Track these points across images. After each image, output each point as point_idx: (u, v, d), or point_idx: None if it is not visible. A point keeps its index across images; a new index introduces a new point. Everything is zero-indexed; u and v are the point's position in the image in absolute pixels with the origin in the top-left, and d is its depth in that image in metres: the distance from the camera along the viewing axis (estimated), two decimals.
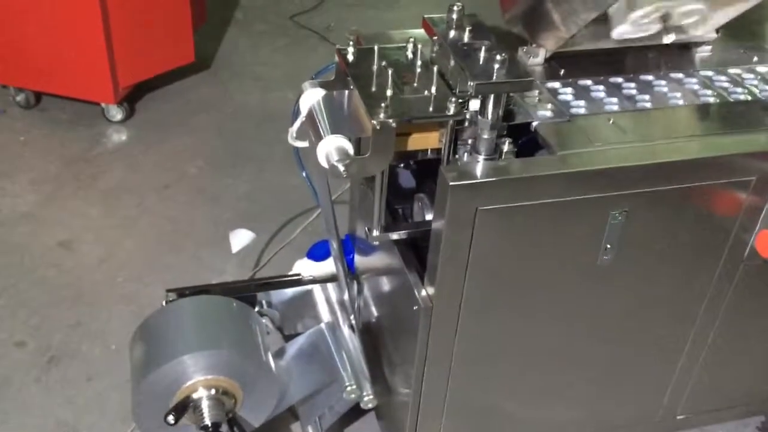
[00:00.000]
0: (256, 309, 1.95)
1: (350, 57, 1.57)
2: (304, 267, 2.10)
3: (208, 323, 1.76)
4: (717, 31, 1.78)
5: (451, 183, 1.36)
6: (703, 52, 1.84)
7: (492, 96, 1.40)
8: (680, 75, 1.74)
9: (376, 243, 1.61)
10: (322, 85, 1.58)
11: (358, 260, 2.04)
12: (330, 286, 2.04)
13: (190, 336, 1.72)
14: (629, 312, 1.68)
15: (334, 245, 1.76)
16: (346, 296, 1.89)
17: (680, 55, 1.82)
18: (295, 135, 1.62)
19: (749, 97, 1.68)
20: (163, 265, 2.63)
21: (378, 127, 1.36)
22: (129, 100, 3.41)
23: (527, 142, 1.54)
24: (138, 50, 3.22)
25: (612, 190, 1.45)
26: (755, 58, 1.83)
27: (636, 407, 1.90)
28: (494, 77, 1.38)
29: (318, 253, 2.14)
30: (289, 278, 2.02)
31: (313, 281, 2.01)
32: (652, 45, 1.79)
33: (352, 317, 1.94)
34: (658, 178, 1.47)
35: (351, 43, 1.57)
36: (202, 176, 3.10)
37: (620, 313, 1.68)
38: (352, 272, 2.02)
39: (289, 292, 2.01)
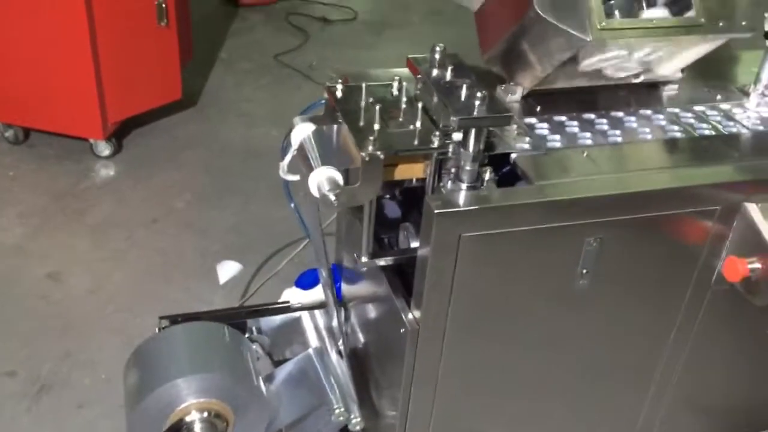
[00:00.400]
0: (246, 335, 2.00)
1: (339, 94, 1.66)
2: (293, 295, 2.17)
3: (201, 348, 1.82)
4: (682, 71, 1.90)
5: (436, 211, 1.44)
6: (670, 91, 1.95)
7: (473, 130, 1.49)
8: (649, 112, 1.85)
9: (364, 269, 1.68)
10: (312, 121, 1.67)
11: (345, 289, 2.11)
12: (318, 313, 2.10)
13: (183, 360, 1.77)
14: (604, 336, 1.77)
15: (324, 273, 1.83)
16: (334, 322, 1.95)
17: (649, 93, 1.94)
18: (286, 169, 1.70)
19: (713, 132, 1.79)
20: (152, 296, 2.68)
21: (367, 159, 1.45)
22: (117, 135, 3.49)
23: (507, 173, 1.63)
24: (126, 87, 3.30)
25: (587, 218, 1.54)
26: (719, 96, 1.95)
27: (611, 430, 1.97)
28: (475, 113, 1.48)
29: (305, 281, 2.21)
30: (278, 305, 2.09)
31: (302, 308, 2.07)
32: (622, 84, 1.90)
33: (340, 343, 2.00)
34: (629, 206, 1.57)
35: (339, 81, 1.66)
36: (190, 210, 3.17)
37: (595, 337, 1.76)
38: (339, 300, 2.09)
39: (278, 318, 2.07)
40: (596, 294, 1.66)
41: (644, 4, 1.71)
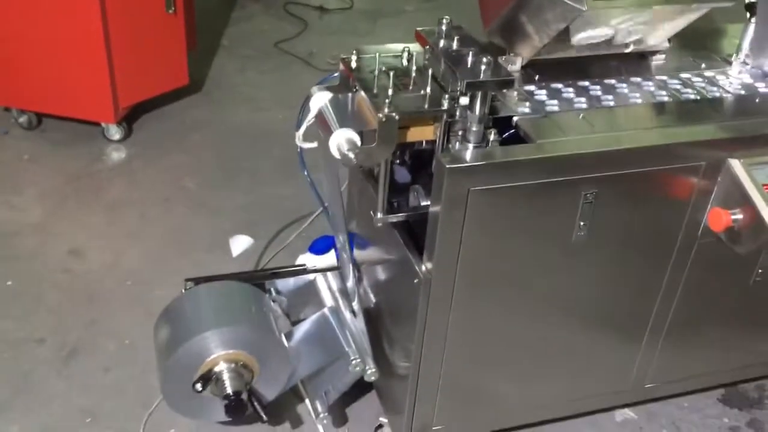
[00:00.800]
0: (266, 295, 2.14)
1: (353, 64, 1.80)
2: (307, 260, 2.31)
3: (226, 304, 1.96)
4: (669, 40, 2.04)
5: (447, 166, 1.58)
6: (658, 60, 2.10)
7: (479, 93, 1.63)
8: (639, 79, 2.00)
9: (378, 228, 1.83)
10: (328, 90, 1.81)
11: (357, 254, 2.25)
12: (331, 276, 2.24)
13: (210, 315, 1.91)
14: (601, 286, 1.91)
15: (340, 236, 1.97)
16: (349, 283, 2.09)
17: (638, 62, 2.08)
18: (302, 137, 1.84)
19: (698, 97, 1.94)
20: (168, 269, 2.80)
21: (384, 120, 1.59)
22: (127, 120, 3.60)
23: (510, 135, 1.77)
24: (137, 72, 3.42)
25: (583, 173, 1.68)
26: (703, 65, 2.09)
27: (608, 377, 2.12)
28: (481, 77, 1.62)
29: (319, 247, 2.35)
30: (295, 268, 2.23)
31: (317, 270, 2.21)
32: (613, 54, 2.04)
33: (354, 303, 2.14)
34: (621, 162, 1.71)
35: (354, 52, 1.80)
36: (200, 190, 3.29)
37: (594, 288, 1.91)
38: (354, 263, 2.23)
39: (294, 281, 2.21)
40: (593, 246, 1.81)
41: None
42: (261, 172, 3.40)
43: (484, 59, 1.63)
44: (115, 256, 2.88)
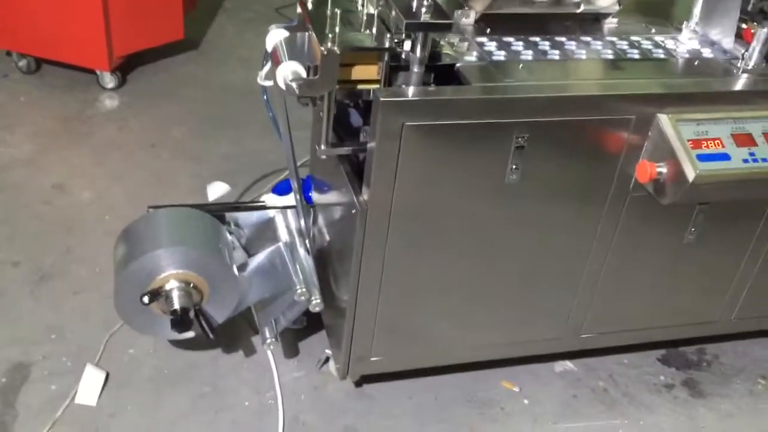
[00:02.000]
0: (225, 227, 2.26)
1: (309, 5, 1.90)
2: (269, 200, 2.42)
3: (182, 227, 2.08)
4: (619, 3, 2.12)
5: (381, 99, 1.69)
6: (611, 24, 2.19)
7: (420, 35, 1.73)
8: (588, 38, 2.09)
9: (324, 157, 1.94)
10: (286, 29, 1.92)
11: (314, 196, 2.36)
12: (291, 214, 2.35)
13: (165, 235, 2.03)
14: (535, 232, 2.01)
15: (293, 176, 2.09)
16: (302, 221, 2.21)
17: (591, 24, 2.17)
18: (264, 76, 1.96)
19: (639, 57, 2.02)
20: (146, 207, 2.92)
21: (325, 53, 1.69)
22: (122, 70, 3.73)
23: (453, 81, 1.87)
24: (132, 24, 3.54)
25: (514, 117, 1.78)
26: (653, 30, 2.18)
27: (543, 323, 2.22)
28: (422, 18, 1.72)
29: (281, 189, 2.46)
30: (255, 203, 2.35)
31: (273, 207, 2.33)
32: (567, 14, 2.13)
33: (307, 241, 2.25)
34: (552, 110, 1.80)
35: None
36: (186, 139, 3.42)
37: (527, 233, 2.00)
38: (309, 203, 2.34)
39: (254, 216, 2.33)
40: (525, 190, 1.91)
41: None
42: (247, 127, 3.51)
43: (425, 3, 1.73)
44: (97, 192, 3.01)
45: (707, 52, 2.09)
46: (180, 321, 1.96)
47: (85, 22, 3.42)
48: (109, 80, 3.66)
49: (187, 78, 3.90)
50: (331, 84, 1.75)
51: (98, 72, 3.64)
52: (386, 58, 1.76)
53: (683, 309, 2.33)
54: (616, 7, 2.13)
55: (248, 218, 2.34)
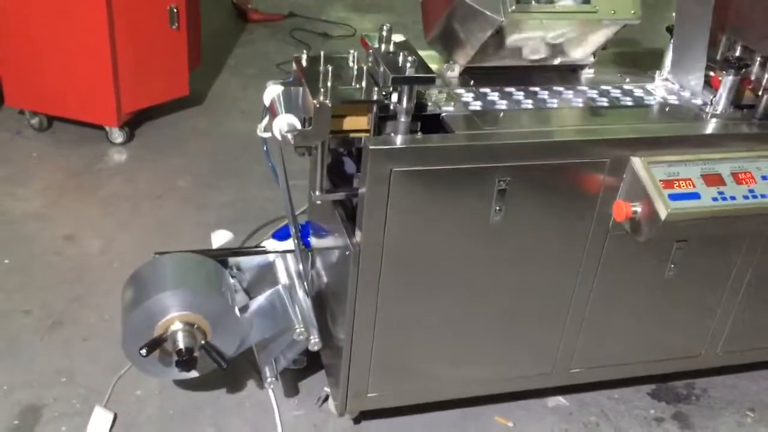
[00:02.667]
0: (227, 271, 2.37)
1: (304, 63, 2.05)
2: (269, 245, 2.54)
3: (186, 271, 2.20)
4: (594, 55, 2.27)
5: (370, 147, 1.82)
6: (588, 74, 2.33)
7: (406, 87, 1.88)
8: (561, 88, 2.23)
9: (319, 202, 2.06)
10: (282, 84, 2.07)
11: (313, 240, 2.48)
12: (290, 257, 2.47)
13: (170, 279, 2.15)
14: (520, 270, 2.12)
15: (291, 221, 2.21)
16: (300, 265, 2.32)
17: (570, 75, 2.31)
18: (263, 128, 2.10)
19: (612, 104, 2.16)
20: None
21: (318, 106, 1.83)
22: (130, 125, 3.90)
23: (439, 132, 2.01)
24: (139, 81, 3.72)
25: (495, 162, 1.91)
26: (628, 79, 2.32)
27: (533, 358, 2.31)
28: (407, 73, 1.86)
29: (281, 234, 2.58)
30: (255, 248, 2.46)
31: (273, 251, 2.44)
32: (548, 66, 2.28)
33: (305, 283, 2.36)
34: (532, 154, 1.93)
35: (305, 52, 2.06)
36: (191, 189, 3.56)
37: (513, 271, 2.11)
38: (308, 248, 2.46)
39: (255, 260, 2.44)
40: (510, 230, 2.02)
41: None
42: (250, 176, 3.65)
43: (410, 59, 1.88)
44: (106, 242, 3.14)
45: (678, 99, 2.23)
46: (185, 360, 2.06)
47: (94, 81, 3.60)
48: (117, 135, 3.82)
49: (192, 131, 4.06)
50: (324, 134, 1.89)
51: (107, 128, 3.80)
52: (375, 109, 1.90)
53: (668, 343, 2.42)
54: (591, 59, 2.28)
55: (249, 262, 2.46)
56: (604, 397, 2.57)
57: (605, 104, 2.17)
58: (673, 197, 1.93)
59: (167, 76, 3.89)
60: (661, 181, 1.95)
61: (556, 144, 1.95)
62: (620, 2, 2.05)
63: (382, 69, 1.91)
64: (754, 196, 1.99)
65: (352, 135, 1.95)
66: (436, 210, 1.95)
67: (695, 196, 1.95)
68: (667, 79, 2.31)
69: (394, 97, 1.93)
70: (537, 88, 2.20)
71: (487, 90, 2.16)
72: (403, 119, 1.91)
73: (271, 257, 2.48)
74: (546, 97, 2.16)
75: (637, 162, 1.98)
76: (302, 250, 2.30)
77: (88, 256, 3.05)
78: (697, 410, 2.56)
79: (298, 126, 1.89)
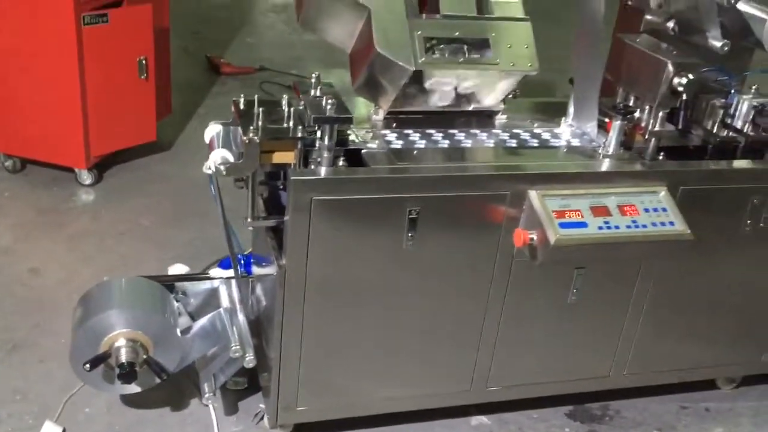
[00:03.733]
0: (173, 295, 2.58)
1: (241, 105, 2.31)
2: (215, 272, 2.76)
3: (132, 293, 2.41)
4: (504, 102, 2.54)
5: (292, 177, 2.07)
6: (501, 119, 2.60)
7: (327, 126, 2.13)
8: (476, 131, 2.49)
9: (251, 228, 2.30)
10: (223, 125, 2.33)
11: (255, 269, 2.70)
12: (233, 284, 2.68)
13: (116, 299, 2.36)
14: (434, 293, 2.34)
15: (230, 250, 2.43)
16: (234, 291, 2.54)
17: (484, 119, 2.58)
18: (206, 165, 2.34)
19: (519, 145, 2.43)
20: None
21: (247, 141, 2.08)
22: (99, 168, 4.14)
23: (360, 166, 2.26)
24: (109, 127, 3.97)
25: (405, 192, 2.15)
26: (536, 124, 2.59)
27: (450, 377, 2.51)
28: (327, 114, 2.12)
29: (226, 263, 2.80)
30: (200, 275, 2.68)
31: (212, 277, 2.66)
32: (464, 111, 2.54)
33: (244, 306, 2.57)
34: (439, 187, 2.18)
35: (242, 96, 2.32)
36: (153, 227, 3.78)
37: (427, 294, 2.34)
38: (249, 275, 2.68)
39: (201, 285, 2.66)
40: (422, 256, 2.26)
41: (467, 52, 2.36)
42: (209, 216, 3.85)
43: (331, 102, 2.14)
44: (69, 275, 3.34)
45: (578, 142, 2.50)
46: (125, 373, 2.26)
47: (65, 126, 3.85)
48: (86, 177, 4.05)
49: (159, 175, 4.30)
50: (252, 167, 2.14)
51: (76, 170, 4.04)
52: (299, 145, 2.15)
53: (577, 364, 2.63)
54: (502, 106, 2.54)
55: (195, 288, 2.67)
56: (524, 417, 2.77)
57: (513, 145, 2.43)
58: (563, 225, 2.18)
59: (135, 123, 4.14)
60: (553, 211, 2.20)
61: (460, 177, 2.20)
62: (519, 56, 2.33)
63: (307, 110, 2.17)
64: (636, 226, 2.24)
65: (281, 168, 2.20)
66: (355, 236, 2.19)
67: (583, 224, 2.20)
68: (571, 125, 2.58)
69: (318, 134, 2.18)
70: (454, 131, 2.46)
71: (408, 131, 2.42)
72: (325, 154, 2.16)
73: (215, 283, 2.69)
74: (461, 138, 2.42)
75: (533, 195, 2.23)
76: (241, 277, 2.52)
77: (50, 288, 3.25)
78: (610, 430, 2.77)
79: (231, 159, 2.13)
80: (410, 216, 2.19)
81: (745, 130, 2.55)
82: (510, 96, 2.58)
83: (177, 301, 2.59)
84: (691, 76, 2.28)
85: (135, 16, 3.92)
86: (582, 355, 2.62)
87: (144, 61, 4.00)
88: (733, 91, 2.54)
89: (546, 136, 2.52)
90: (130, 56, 3.96)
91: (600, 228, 2.21)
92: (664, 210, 2.29)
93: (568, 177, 2.28)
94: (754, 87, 2.62)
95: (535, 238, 2.22)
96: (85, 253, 3.52)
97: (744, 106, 2.56)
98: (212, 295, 2.68)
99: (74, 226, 3.74)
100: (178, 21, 6.37)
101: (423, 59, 2.24)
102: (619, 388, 2.79)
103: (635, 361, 2.67)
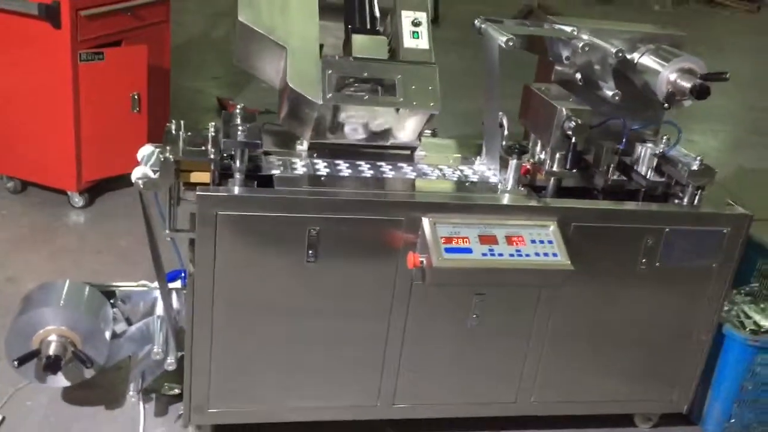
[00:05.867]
0: (111, 301, 2.83)
1: (173, 131, 2.59)
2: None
3: (69, 295, 2.66)
4: (419, 139, 2.76)
5: (198, 193, 2.31)
6: (420, 154, 2.81)
7: (238, 151, 2.38)
8: (390, 163, 2.71)
9: (169, 239, 2.54)
10: (153, 145, 2.60)
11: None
12: (174, 295, 2.92)
13: (53, 299, 2.62)
14: (338, 310, 2.53)
15: (155, 263, 2.67)
16: (160, 300, 2.78)
17: (403, 155, 2.80)
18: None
19: (425, 177, 2.64)
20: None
21: (162, 160, 2.35)
22: (91, 192, 4.47)
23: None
24: (100, 155, 4.30)
25: (304, 213, 2.38)
26: (451, 161, 2.80)
27: (358, 391, 2.68)
28: (237, 139, 2.37)
29: (170, 276, 3.05)
30: (139, 284, 2.93)
31: (154, 288, 2.91)
32: (383, 145, 2.77)
33: (178, 316, 2.81)
34: (335, 209, 2.39)
35: (173, 122, 2.60)
36: (130, 247, 4.07)
37: (331, 310, 2.53)
38: (185, 285, 2.91)
39: (141, 294, 2.90)
40: (323, 274, 2.46)
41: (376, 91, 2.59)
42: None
43: (245, 129, 2.40)
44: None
45: (484, 177, 2.70)
46: (51, 364, 2.51)
47: (60, 152, 4.20)
48: (78, 200, 4.39)
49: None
50: (167, 183, 2.40)
51: (69, 193, 4.37)
52: (212, 166, 2.41)
53: (482, 388, 2.78)
54: (418, 143, 2.76)
55: (135, 296, 2.92)
56: None
57: (421, 177, 2.64)
58: (449, 250, 2.37)
59: (127, 152, 4.40)
60: (442, 237, 2.40)
61: (356, 201, 2.42)
62: (421, 96, 2.56)
63: (223, 136, 2.43)
64: (520, 255, 2.41)
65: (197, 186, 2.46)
66: (259, 251, 2.41)
67: (468, 250, 2.39)
68: (482, 162, 2.78)
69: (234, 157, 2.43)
70: (369, 162, 2.68)
71: (326, 161, 2.65)
72: (237, 176, 2.41)
73: (155, 293, 2.94)
74: (373, 169, 2.64)
75: (426, 221, 2.43)
76: (167, 289, 2.75)
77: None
78: None
79: (151, 176, 2.40)
80: (310, 235, 2.40)
81: (647, 176, 2.73)
82: (429, 134, 2.81)
83: (114, 306, 2.84)
84: (579, 122, 2.47)
85: (130, 55, 4.28)
86: (486, 380, 2.76)
87: (137, 97, 4.35)
88: (647, 139, 2.75)
89: (456, 171, 2.73)
90: (123, 92, 4.31)
91: (484, 254, 2.39)
92: (550, 242, 2.46)
93: (460, 207, 2.47)
94: (665, 137, 2.80)
95: (424, 261, 2.41)
96: (62, 267, 3.81)
97: (646, 154, 2.74)
98: (151, 304, 2.92)
99: (58, 243, 4.05)
100: (200, 67, 6.87)
101: (330, 95, 2.48)
102: (545, 416, 2.90)
103: (543, 389, 2.80)
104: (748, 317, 3.17)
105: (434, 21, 11.14)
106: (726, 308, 3.30)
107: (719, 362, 2.95)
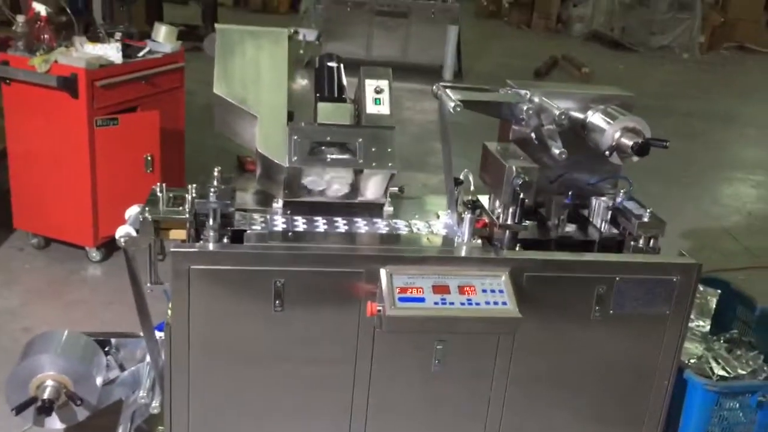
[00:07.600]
0: (106, 349, 3.07)
1: (157, 192, 2.85)
2: None
3: (66, 344, 2.91)
4: (385, 195, 2.97)
5: (171, 250, 2.55)
6: (387, 211, 3.02)
7: (211, 210, 2.63)
8: (360, 219, 2.92)
9: (150, 291, 2.78)
10: (139, 206, 2.86)
11: None
12: (160, 342, 3.15)
13: (51, 347, 2.87)
14: (304, 358, 2.71)
15: (140, 315, 2.91)
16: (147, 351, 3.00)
17: (372, 210, 3.00)
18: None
19: (388, 232, 2.84)
20: None
21: (141, 219, 2.60)
22: (108, 247, 4.77)
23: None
24: (116, 212, 4.53)
25: (270, 266, 2.59)
26: (417, 216, 3.00)
27: None
28: (209, 200, 2.62)
29: (160, 327, 3.29)
30: (132, 333, 3.17)
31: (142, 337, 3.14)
32: (349, 203, 2.98)
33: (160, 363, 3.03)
34: (299, 263, 2.60)
35: (159, 185, 2.86)
36: None
37: (299, 359, 2.71)
38: None
39: (134, 342, 3.14)
40: (290, 324, 2.65)
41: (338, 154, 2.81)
42: None
43: (217, 190, 2.64)
44: None
45: (443, 231, 2.88)
46: (44, 407, 2.74)
47: (78, 210, 4.54)
48: (95, 255, 4.70)
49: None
50: (146, 240, 2.65)
51: (87, 248, 4.69)
52: (187, 225, 2.65)
53: (449, 430, 2.91)
54: (384, 200, 2.96)
55: (131, 344, 3.16)
56: None
57: (383, 231, 2.84)
58: (402, 299, 2.55)
59: None
60: (397, 287, 2.58)
61: (316, 255, 2.62)
62: (380, 157, 2.77)
63: (196, 197, 2.68)
64: (470, 304, 2.57)
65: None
66: (231, 301, 2.63)
67: (421, 300, 2.56)
68: (444, 219, 2.97)
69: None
70: (338, 218, 2.89)
71: (298, 218, 2.88)
72: (211, 233, 2.65)
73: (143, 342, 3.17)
74: (342, 225, 2.85)
75: (383, 272, 2.61)
76: (153, 337, 2.98)
77: None
78: None
79: (132, 234, 2.65)
80: (276, 286, 2.61)
81: (601, 228, 2.89)
82: (398, 191, 3.02)
83: (108, 354, 3.08)
84: (526, 179, 2.65)
85: (143, 120, 4.63)
86: (454, 422, 2.90)
87: (150, 158, 4.68)
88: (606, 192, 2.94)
89: (420, 226, 2.92)
90: (137, 153, 4.65)
91: (436, 303, 2.57)
92: (501, 291, 2.62)
93: (415, 259, 2.66)
94: (623, 190, 2.96)
95: (381, 309, 2.59)
96: (74, 318, 4.10)
97: (600, 206, 2.90)
98: (143, 351, 3.15)
99: (74, 295, 4.35)
100: None
101: (295, 158, 2.72)
102: None
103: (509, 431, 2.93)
104: (718, 363, 3.27)
105: (457, 75, 11.65)
106: (699, 354, 3.41)
107: (684, 407, 3.04)
